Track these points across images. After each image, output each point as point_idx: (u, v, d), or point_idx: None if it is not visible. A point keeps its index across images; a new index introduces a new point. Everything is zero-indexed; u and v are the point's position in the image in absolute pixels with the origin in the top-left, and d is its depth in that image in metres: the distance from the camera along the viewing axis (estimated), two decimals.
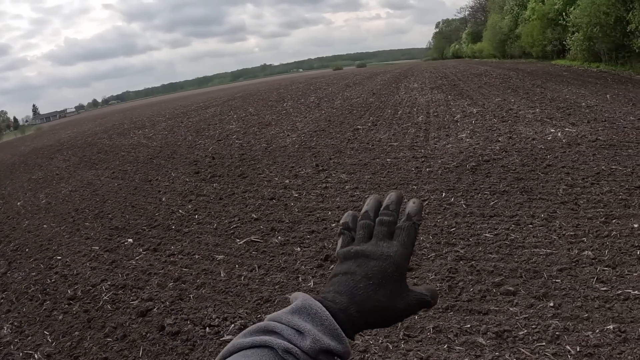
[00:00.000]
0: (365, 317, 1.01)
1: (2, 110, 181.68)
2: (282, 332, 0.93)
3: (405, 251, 1.07)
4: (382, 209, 1.13)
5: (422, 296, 1.08)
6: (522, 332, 5.02)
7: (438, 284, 6.24)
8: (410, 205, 1.13)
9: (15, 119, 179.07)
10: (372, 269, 1.04)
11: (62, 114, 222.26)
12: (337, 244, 1.15)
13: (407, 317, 1.08)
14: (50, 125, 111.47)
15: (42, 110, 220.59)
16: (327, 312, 0.96)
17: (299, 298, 1.00)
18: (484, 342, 4.97)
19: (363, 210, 1.15)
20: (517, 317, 5.29)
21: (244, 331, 0.96)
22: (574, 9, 34.54)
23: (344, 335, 0.96)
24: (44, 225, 13.04)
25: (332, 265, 7.32)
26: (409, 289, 1.07)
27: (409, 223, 1.10)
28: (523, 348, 4.81)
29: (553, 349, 4.75)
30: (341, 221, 1.17)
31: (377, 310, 1.02)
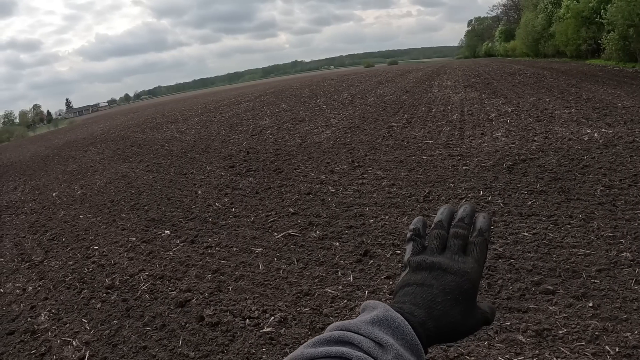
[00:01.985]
0: (440, 333, 0.98)
1: (36, 104, 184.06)
2: (361, 344, 0.87)
3: (479, 268, 1.06)
4: (456, 220, 1.12)
5: (485, 314, 1.07)
6: (561, 332, 4.95)
7: None
8: (481, 220, 1.12)
9: (48, 112, 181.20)
10: (449, 283, 1.01)
11: (95, 108, 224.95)
12: (405, 249, 1.13)
13: (472, 334, 1.05)
14: (83, 119, 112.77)
15: (75, 104, 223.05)
16: (410, 327, 0.92)
17: (377, 308, 0.95)
18: (524, 340, 4.91)
19: (437, 219, 1.13)
20: (556, 316, 5.22)
21: (312, 340, 0.90)
22: (610, 6, 33.91)
23: (423, 351, 0.92)
24: (80, 216, 13.17)
25: (372, 261, 7.30)
26: (477, 306, 1.06)
27: (481, 239, 1.08)
28: (563, 347, 4.74)
29: (592, 349, 4.67)
30: (411, 227, 1.14)
31: (451, 326, 1.00)
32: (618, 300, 5.35)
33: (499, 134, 14.25)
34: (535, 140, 12.84)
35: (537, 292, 5.73)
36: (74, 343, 6.54)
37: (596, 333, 4.86)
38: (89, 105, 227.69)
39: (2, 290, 9.03)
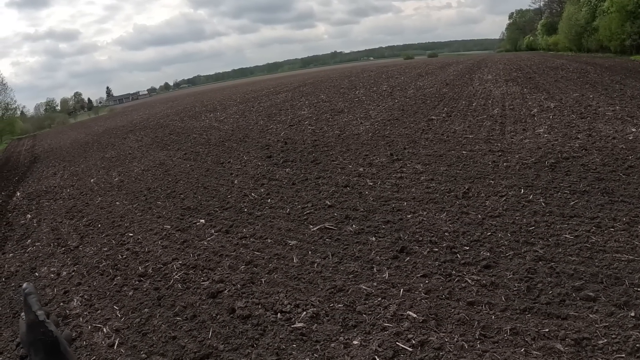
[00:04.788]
0: None
1: (77, 92, 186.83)
2: None
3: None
4: None
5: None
6: (601, 342, 4.74)
7: (516, 284, 5.96)
8: None
9: (89, 100, 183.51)
10: None
11: (135, 96, 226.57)
12: None
13: None
14: (123, 107, 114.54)
15: (116, 93, 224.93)
16: None
17: None
18: (562, 349, 4.70)
19: None
20: (596, 325, 4.99)
21: None
22: None
23: None
24: (117, 203, 13.25)
25: (408, 258, 7.12)
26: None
27: None
28: (602, 358, 4.54)
29: None
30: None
31: None
32: None
33: (541, 130, 13.92)
34: (578, 138, 12.49)
35: (578, 299, 5.51)
36: (105, 330, 6.53)
37: (637, 345, 4.64)
38: (129, 94, 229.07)
39: (37, 274, 9.10)
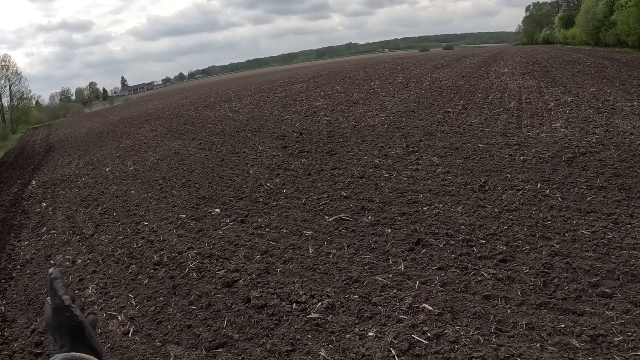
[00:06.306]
0: None
1: (92, 82, 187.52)
2: None
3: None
4: None
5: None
6: (617, 339, 4.69)
7: (532, 279, 5.91)
8: None
9: (104, 89, 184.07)
10: None
11: (150, 86, 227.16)
12: None
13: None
14: (138, 96, 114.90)
15: (130, 83, 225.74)
16: None
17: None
18: (577, 345, 4.66)
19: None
20: (612, 322, 4.94)
21: None
22: None
23: None
24: (132, 191, 13.29)
25: (424, 250, 7.08)
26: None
27: None
28: (617, 355, 4.49)
29: None
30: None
31: None
32: None
33: (558, 125, 13.78)
34: (595, 133, 12.34)
35: (594, 295, 5.46)
36: (119, 318, 6.57)
37: None
38: (144, 84, 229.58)
39: (52, 262, 9.16)
